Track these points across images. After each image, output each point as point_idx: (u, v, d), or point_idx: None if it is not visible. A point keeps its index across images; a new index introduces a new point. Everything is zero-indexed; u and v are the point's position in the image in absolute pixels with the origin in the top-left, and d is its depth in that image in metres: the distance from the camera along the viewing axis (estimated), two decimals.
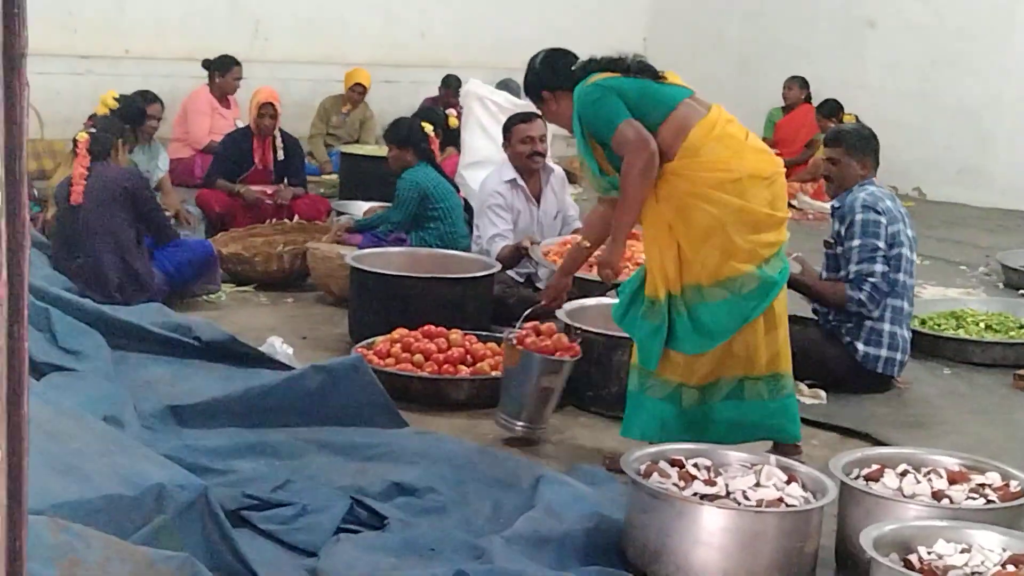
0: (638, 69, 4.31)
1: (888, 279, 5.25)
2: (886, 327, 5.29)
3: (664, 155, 4.11)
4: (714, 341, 4.11)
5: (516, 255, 6.27)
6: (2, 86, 1.40)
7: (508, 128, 6.70)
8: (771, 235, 4.15)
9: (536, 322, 4.76)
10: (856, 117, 11.22)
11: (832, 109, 11.37)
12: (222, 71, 10.27)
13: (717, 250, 4.06)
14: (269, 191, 8.10)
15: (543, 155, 6.66)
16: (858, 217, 5.25)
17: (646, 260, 4.28)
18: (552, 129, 9.29)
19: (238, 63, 10.34)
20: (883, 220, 5.26)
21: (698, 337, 4.11)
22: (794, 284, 5.38)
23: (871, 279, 5.22)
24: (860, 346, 5.29)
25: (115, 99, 7.42)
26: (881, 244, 5.24)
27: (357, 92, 11.39)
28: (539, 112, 6.34)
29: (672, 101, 4.23)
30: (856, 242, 5.25)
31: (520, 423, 4.57)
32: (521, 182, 6.63)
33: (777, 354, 4.23)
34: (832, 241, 5.42)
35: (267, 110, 8.16)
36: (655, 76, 4.34)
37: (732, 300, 4.08)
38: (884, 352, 5.30)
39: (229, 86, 10.29)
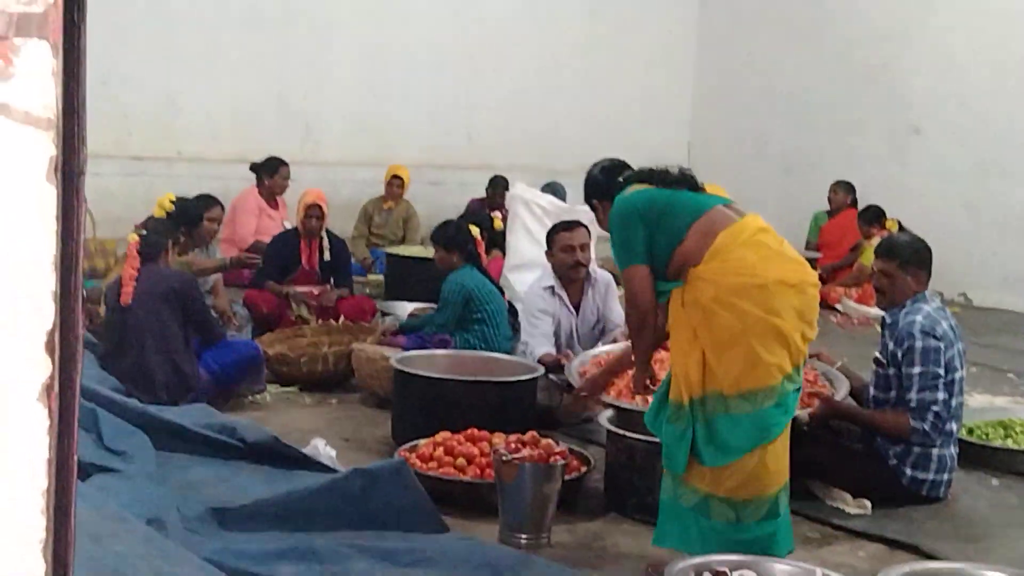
0: (675, 180, 4.34)
1: (943, 406, 5.15)
2: (935, 451, 5.20)
3: (691, 259, 4.10)
4: (728, 456, 4.01)
5: (557, 364, 6.28)
6: (60, 202, 1.44)
7: (551, 236, 6.76)
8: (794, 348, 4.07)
9: (518, 434, 5.02)
10: (899, 223, 11.24)
11: (874, 215, 11.39)
12: (270, 172, 10.46)
13: (740, 359, 3.98)
14: (316, 291, 8.19)
15: (584, 265, 6.67)
16: (918, 344, 5.13)
17: (671, 364, 4.23)
18: (602, 232, 9.41)
19: (286, 164, 10.53)
20: (942, 346, 5.16)
21: (713, 449, 4.03)
22: (852, 416, 5.34)
23: (934, 407, 5.11)
24: (907, 470, 5.19)
25: (172, 201, 7.53)
26: (941, 371, 5.14)
27: (396, 186, 11.53)
28: (582, 220, 6.47)
29: (702, 207, 4.25)
30: (917, 369, 5.12)
31: (524, 535, 4.56)
32: (560, 290, 6.67)
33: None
34: (884, 361, 5.31)
35: (314, 211, 8.29)
36: (693, 186, 4.36)
37: (755, 415, 4.01)
38: (931, 476, 5.21)
39: (278, 187, 10.47)
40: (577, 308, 6.71)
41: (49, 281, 1.43)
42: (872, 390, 5.39)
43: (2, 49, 1.40)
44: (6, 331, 1.42)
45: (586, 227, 6.77)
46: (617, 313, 6.80)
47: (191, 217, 7.52)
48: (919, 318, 5.18)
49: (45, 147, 1.41)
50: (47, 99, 1.41)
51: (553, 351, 6.53)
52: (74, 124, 1.44)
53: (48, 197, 1.42)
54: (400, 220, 11.59)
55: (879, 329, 9.62)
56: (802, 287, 4.13)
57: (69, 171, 1.45)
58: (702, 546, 4.03)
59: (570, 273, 6.64)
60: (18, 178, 1.42)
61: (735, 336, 3.98)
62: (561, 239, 6.68)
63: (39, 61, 1.41)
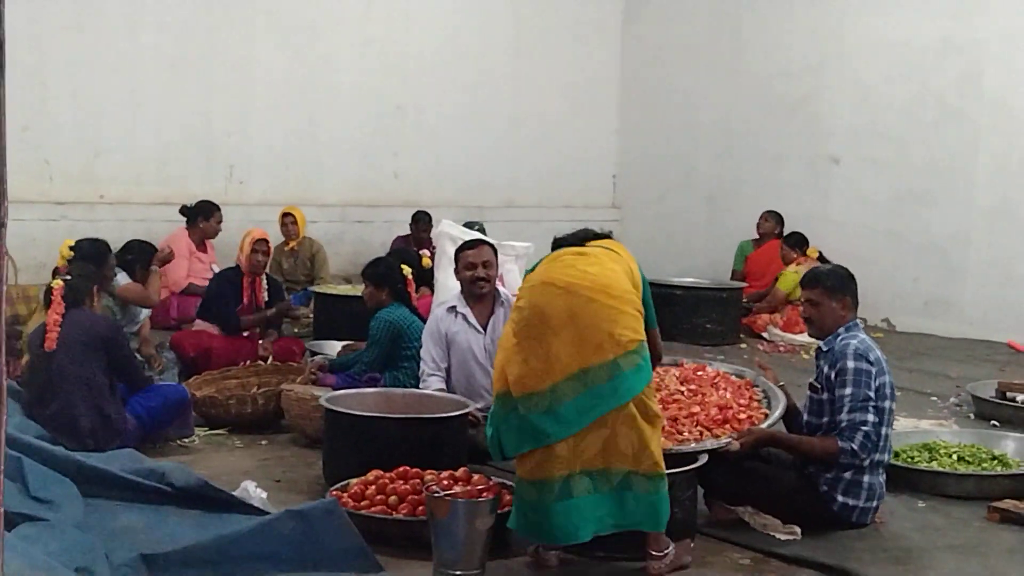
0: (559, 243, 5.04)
1: (874, 429, 5.21)
2: (866, 478, 5.26)
3: None
4: None
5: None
6: None
7: (456, 255, 6.86)
8: None
9: (451, 471, 5.19)
10: (819, 251, 11.45)
11: (797, 240, 11.61)
12: (205, 216, 10.42)
13: None
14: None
15: (487, 281, 6.74)
16: (850, 364, 5.22)
17: None
18: (530, 265, 9.46)
19: (218, 208, 10.50)
20: (873, 371, 5.26)
21: None
22: (781, 443, 5.40)
23: (863, 428, 5.17)
24: (839, 497, 5.25)
25: (71, 248, 7.51)
26: (872, 394, 5.21)
27: (289, 223, 11.48)
28: (486, 239, 6.65)
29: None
30: (848, 390, 5.20)
31: (458, 572, 4.57)
32: (464, 308, 6.72)
33: None
34: (818, 385, 5.38)
35: (261, 246, 8.33)
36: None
37: None
38: (861, 503, 5.27)
39: (212, 230, 10.45)
40: (485, 327, 6.74)
41: None
42: (806, 415, 5.46)
43: None
44: None
45: (491, 246, 6.92)
46: None
47: (99, 256, 7.46)
48: (854, 342, 5.29)
49: None
50: None
51: (444, 386, 6.60)
52: None
53: None
54: (305, 260, 11.53)
55: (805, 356, 9.86)
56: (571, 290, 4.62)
57: None
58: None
59: (473, 289, 6.71)
60: None
61: None
62: (464, 257, 6.78)
63: None
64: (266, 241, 8.37)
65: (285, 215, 11.51)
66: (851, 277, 5.52)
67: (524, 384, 4.57)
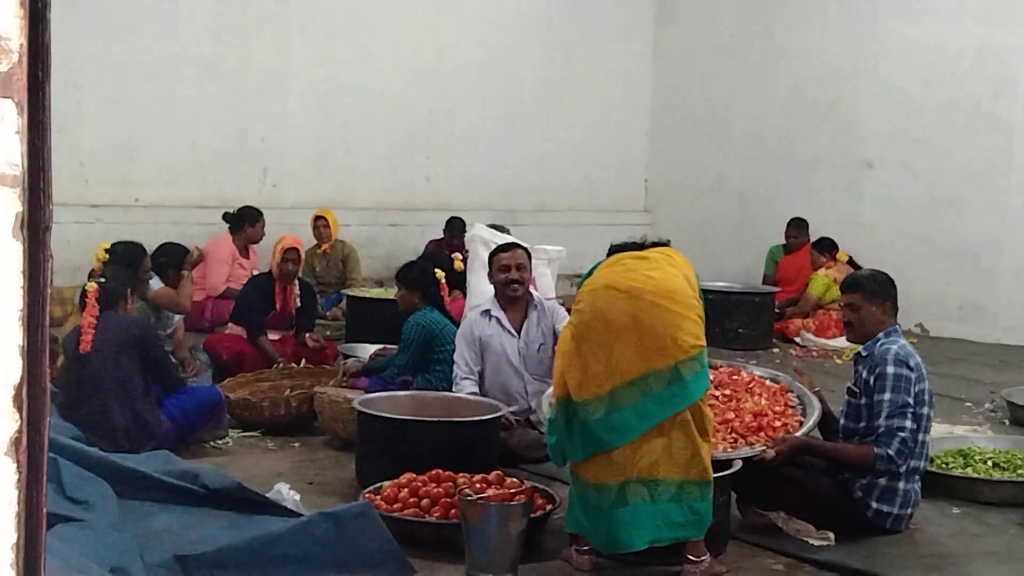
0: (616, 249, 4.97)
1: (911, 435, 5.19)
2: (901, 485, 5.24)
3: None
4: None
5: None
6: (26, 258, 1.46)
7: (490, 259, 6.86)
8: None
9: (483, 474, 5.18)
10: (849, 256, 11.40)
11: (827, 245, 11.57)
12: (251, 222, 10.49)
13: None
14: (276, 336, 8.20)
15: (521, 283, 6.73)
16: (890, 370, 5.19)
17: None
18: (562, 270, 9.46)
19: (262, 214, 10.57)
20: (913, 376, 5.23)
21: None
22: (816, 451, 5.38)
23: (901, 434, 5.13)
24: (873, 504, 5.23)
25: (106, 250, 7.54)
26: (911, 400, 5.18)
27: (321, 227, 11.55)
28: (520, 242, 6.64)
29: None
30: (887, 395, 5.17)
31: (490, 575, 4.57)
32: (498, 312, 6.72)
33: None
34: (857, 390, 5.35)
35: (291, 255, 8.33)
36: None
37: None
38: (896, 510, 5.25)
39: (257, 235, 10.52)
40: (519, 330, 6.74)
41: (16, 336, 1.44)
42: (843, 420, 5.43)
43: None
44: None
45: (524, 249, 6.91)
46: None
47: (134, 259, 7.50)
48: (894, 347, 5.26)
49: (11, 204, 1.43)
50: (12, 157, 1.43)
51: (476, 390, 6.58)
52: (39, 181, 1.46)
53: (14, 253, 1.44)
54: (337, 262, 11.60)
55: (838, 361, 9.81)
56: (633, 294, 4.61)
57: (35, 227, 1.46)
58: None
59: (506, 292, 6.71)
60: None
61: None
62: (498, 260, 6.78)
63: (5, 120, 1.42)
64: (296, 250, 8.39)
65: (317, 218, 11.57)
66: (891, 282, 5.50)
67: (584, 389, 4.59)
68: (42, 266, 1.46)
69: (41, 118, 1.45)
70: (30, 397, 1.44)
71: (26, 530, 1.46)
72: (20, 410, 1.43)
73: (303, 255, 8.40)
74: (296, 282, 8.50)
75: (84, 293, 6.31)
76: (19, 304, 1.44)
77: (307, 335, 8.39)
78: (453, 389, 6.64)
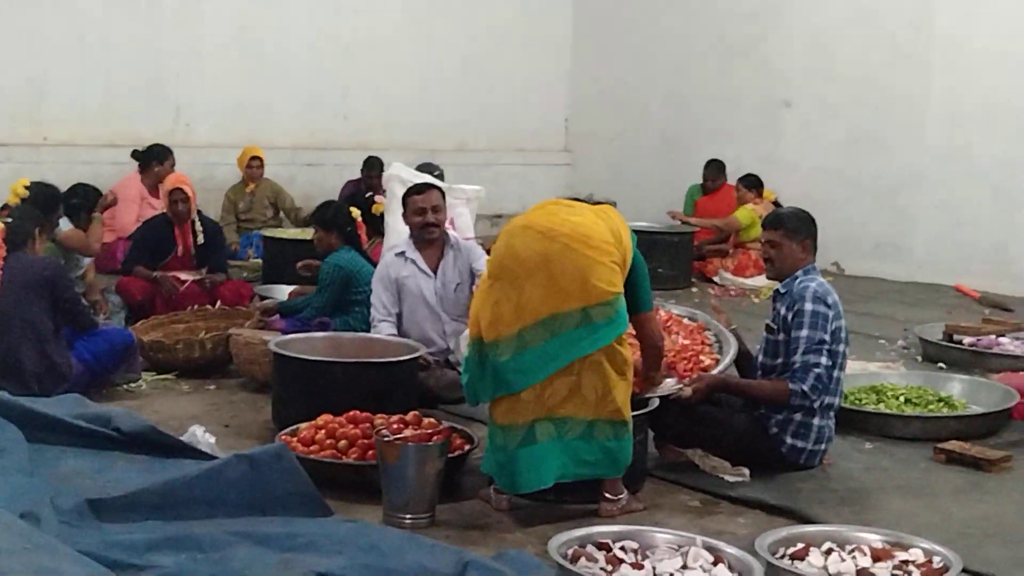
0: None
1: (827, 372, 5.24)
2: (816, 421, 5.29)
3: None
4: None
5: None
6: None
7: (404, 200, 6.79)
8: None
9: (401, 415, 5.14)
10: (775, 194, 11.48)
11: (753, 182, 11.62)
12: (159, 160, 10.28)
13: None
14: (186, 277, 8.05)
15: (436, 225, 6.69)
16: (808, 307, 5.22)
17: None
18: (481, 209, 9.41)
19: (171, 152, 10.36)
20: (830, 314, 5.27)
21: None
22: (732, 388, 5.42)
23: (816, 370, 5.17)
24: (788, 439, 5.27)
25: (26, 187, 7.36)
26: (827, 337, 5.23)
27: (255, 167, 11.46)
28: (435, 183, 6.61)
29: None
30: (804, 332, 5.20)
31: (408, 516, 4.57)
32: (413, 254, 6.68)
33: None
34: (775, 327, 5.38)
35: (178, 195, 8.16)
36: None
37: None
38: (810, 446, 5.30)
39: (165, 174, 10.27)
40: (435, 271, 6.70)
41: None
42: (761, 357, 5.48)
43: None
44: None
45: (439, 189, 6.86)
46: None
47: (49, 201, 7.33)
48: (813, 285, 5.30)
49: None
50: None
51: (394, 331, 6.55)
52: None
53: None
54: (266, 200, 11.49)
55: (755, 300, 9.91)
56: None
57: None
58: None
59: (423, 234, 6.66)
60: None
61: None
62: (412, 202, 6.71)
63: None
64: (182, 190, 8.17)
65: (252, 158, 11.44)
66: (812, 220, 5.53)
67: (494, 329, 4.58)
68: None
69: None
70: None
71: None
72: None
73: (191, 193, 8.20)
74: (198, 221, 8.32)
75: None
76: None
77: (203, 272, 8.21)
78: (371, 331, 6.59)
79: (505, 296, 4.58)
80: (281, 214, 11.64)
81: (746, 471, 5.22)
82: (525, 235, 4.64)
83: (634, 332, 5.01)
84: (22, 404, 5.21)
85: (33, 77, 11.06)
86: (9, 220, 6.26)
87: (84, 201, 8.09)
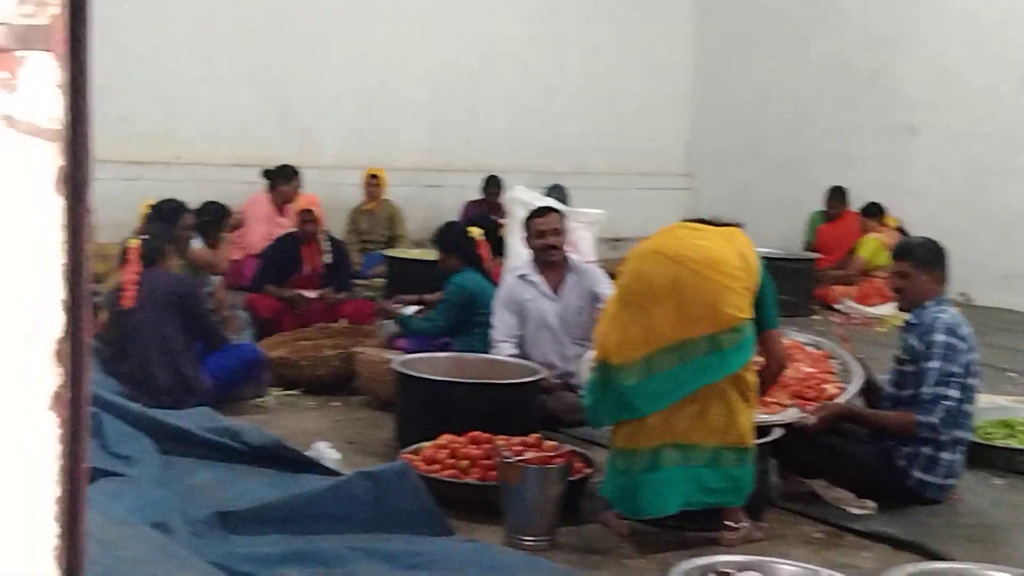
0: None
1: (957, 405, 5.12)
2: (944, 455, 5.16)
3: None
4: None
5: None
6: (67, 212, 1.44)
7: (526, 224, 6.84)
8: None
9: (522, 436, 5.15)
10: (900, 222, 11.28)
11: (875, 210, 11.43)
12: (286, 179, 10.50)
13: None
14: (312, 295, 8.19)
15: (557, 248, 6.72)
16: (940, 338, 5.11)
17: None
18: (602, 233, 9.42)
19: (298, 172, 10.57)
20: (963, 346, 5.16)
21: None
22: (858, 417, 5.33)
23: (946, 403, 5.06)
24: (915, 473, 5.16)
25: (150, 207, 7.56)
26: (959, 370, 5.11)
27: (373, 185, 11.61)
28: (555, 207, 6.62)
29: None
30: (935, 364, 5.09)
31: (529, 538, 4.57)
32: (535, 277, 6.70)
33: None
34: (905, 358, 5.27)
35: (307, 216, 8.34)
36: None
37: None
38: (939, 480, 5.18)
39: (292, 194, 10.49)
40: (557, 294, 6.72)
41: (58, 290, 1.43)
42: (890, 388, 5.36)
43: (6, 62, 1.40)
44: (16, 341, 1.42)
45: (559, 212, 6.92)
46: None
47: (172, 214, 7.51)
48: (945, 316, 5.18)
49: (52, 158, 1.42)
50: (53, 111, 1.41)
51: (516, 351, 6.57)
52: (80, 135, 1.44)
53: (55, 207, 1.43)
54: (384, 220, 11.63)
55: (880, 329, 9.73)
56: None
57: (76, 181, 1.45)
58: None
59: (544, 257, 6.69)
60: (25, 189, 1.42)
61: None
62: (534, 225, 6.77)
63: (44, 73, 1.41)
64: (310, 211, 8.36)
65: (371, 176, 11.62)
66: (942, 250, 5.41)
67: (622, 353, 4.57)
68: (83, 221, 1.45)
69: (82, 72, 1.44)
70: (73, 352, 1.44)
71: (69, 484, 1.45)
72: (63, 365, 1.42)
73: (319, 214, 8.38)
74: (327, 240, 8.48)
75: (126, 250, 6.34)
76: (61, 259, 1.43)
77: (325, 292, 8.34)
78: (491, 351, 6.63)
79: (633, 320, 4.57)
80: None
81: (872, 504, 5.13)
82: (654, 260, 4.64)
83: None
84: (155, 416, 5.36)
85: (165, 98, 11.37)
86: (145, 237, 6.44)
87: (213, 219, 8.29)
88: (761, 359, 4.93)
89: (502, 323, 6.67)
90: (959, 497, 5.32)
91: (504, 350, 6.57)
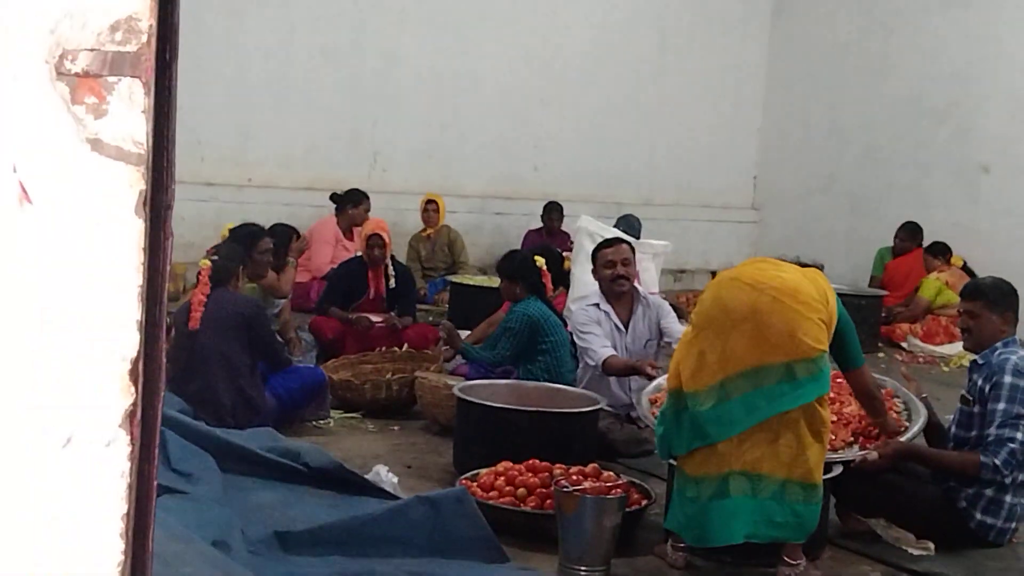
0: None
1: (1021, 447, 5.06)
2: (1008, 498, 5.11)
3: None
4: None
5: (630, 370, 6.30)
6: (147, 235, 1.49)
7: (594, 255, 6.86)
8: None
9: (579, 466, 5.17)
10: (964, 260, 11.16)
11: (940, 249, 11.35)
12: (354, 203, 10.60)
13: None
14: (376, 319, 8.26)
15: (627, 279, 6.72)
16: (1007, 380, 5.06)
17: None
18: (666, 264, 9.41)
19: (367, 196, 10.67)
20: None
21: None
22: (921, 456, 5.29)
23: (1011, 444, 5.00)
24: (977, 515, 5.10)
25: (231, 230, 7.64)
26: (1021, 411, 5.06)
27: (431, 211, 11.69)
28: (625, 237, 6.62)
29: None
30: (1001, 405, 5.04)
31: (584, 568, 4.57)
32: (606, 307, 6.70)
33: None
34: (971, 398, 5.23)
35: (375, 240, 8.40)
36: None
37: None
38: (1000, 523, 5.12)
39: (360, 218, 10.59)
40: (626, 325, 6.72)
41: (135, 311, 1.48)
42: (954, 428, 5.31)
43: (96, 87, 1.46)
44: (93, 359, 1.47)
45: (628, 243, 6.93)
46: (677, 329, 6.65)
47: (249, 237, 7.58)
48: (1014, 358, 5.13)
49: (135, 182, 1.47)
50: (138, 136, 1.47)
51: (616, 353, 6.51)
52: (164, 160, 1.50)
53: (136, 230, 1.48)
54: (444, 246, 11.69)
55: (945, 369, 9.63)
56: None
57: (157, 205, 1.50)
58: None
59: (613, 287, 6.70)
60: (108, 211, 1.47)
61: None
62: (603, 256, 6.78)
63: (132, 99, 1.46)
64: (379, 235, 8.43)
65: (428, 202, 11.70)
66: (1014, 291, 5.36)
67: (696, 379, 4.58)
68: (162, 244, 1.50)
69: (167, 98, 1.49)
70: (146, 372, 1.48)
71: (136, 502, 1.50)
72: (136, 384, 1.47)
73: (387, 239, 8.46)
74: (391, 265, 8.56)
75: (199, 271, 6.44)
76: (139, 280, 1.48)
77: (389, 316, 8.41)
78: (590, 356, 6.52)
79: (710, 346, 4.58)
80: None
81: (931, 544, 5.08)
82: (733, 287, 4.66)
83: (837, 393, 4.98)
84: (217, 435, 5.42)
85: (240, 121, 11.53)
86: (215, 258, 6.53)
87: (281, 241, 8.37)
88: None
89: (594, 336, 6.57)
90: (1021, 541, 5.26)
91: (604, 354, 6.45)
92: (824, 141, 14.15)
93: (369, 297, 8.45)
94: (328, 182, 11.17)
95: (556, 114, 13.41)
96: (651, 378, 6.04)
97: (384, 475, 5.37)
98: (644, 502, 5.15)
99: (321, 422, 6.79)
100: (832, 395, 5.69)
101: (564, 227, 11.96)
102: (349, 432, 6.77)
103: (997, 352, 5.19)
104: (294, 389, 6.55)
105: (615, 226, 9.68)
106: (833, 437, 5.29)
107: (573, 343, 7.29)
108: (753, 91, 14.82)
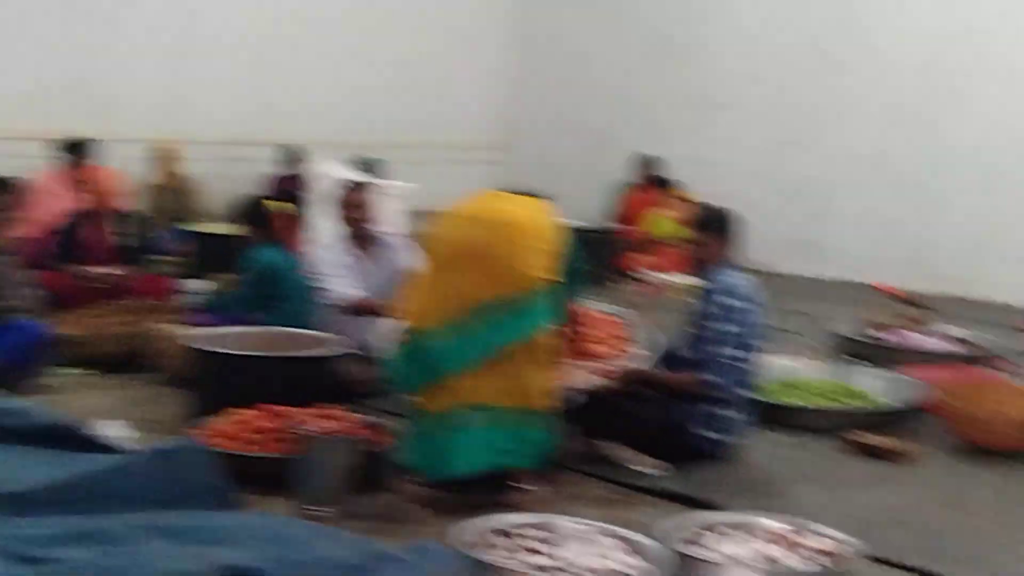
0: None
1: (740, 365, 5.34)
2: (729, 413, 5.40)
3: None
4: None
5: (373, 311, 6.31)
6: None
7: (334, 198, 6.94)
8: None
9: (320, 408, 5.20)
10: (688, 193, 11.67)
11: (662, 183, 11.78)
12: (82, 154, 10.19)
13: None
14: (100, 271, 7.98)
15: (367, 222, 6.82)
16: (724, 300, 5.33)
17: None
18: (414, 205, 9.43)
19: (96, 146, 10.28)
20: (750, 310, 5.38)
21: None
22: (650, 380, 5.48)
23: (732, 363, 5.30)
24: (703, 432, 5.37)
25: None
26: (745, 332, 5.33)
27: (166, 158, 11.51)
28: (365, 180, 6.68)
29: None
30: (719, 325, 5.31)
31: (321, 508, 4.57)
32: (348, 249, 6.85)
33: None
34: (695, 322, 5.47)
35: (96, 190, 8.18)
36: None
37: None
38: (725, 437, 5.42)
39: (88, 170, 10.16)
40: (369, 268, 6.75)
41: None
42: (681, 351, 5.56)
43: None
44: None
45: (369, 186, 7.03)
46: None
47: None
48: (734, 281, 5.41)
49: None
50: None
51: (359, 294, 6.55)
52: None
53: None
54: (178, 196, 11.45)
55: (676, 296, 9.99)
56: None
57: None
58: None
59: (355, 230, 6.77)
60: None
61: None
62: (345, 199, 6.86)
63: None
64: (104, 185, 8.27)
65: (161, 149, 11.38)
66: (735, 219, 5.60)
67: (428, 316, 4.62)
68: None
69: None
70: None
71: None
72: None
73: (114, 189, 8.24)
74: (120, 216, 8.30)
75: None
76: None
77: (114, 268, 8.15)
78: (333, 298, 6.57)
79: (439, 282, 4.64)
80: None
81: (663, 464, 5.28)
82: (459, 223, 4.72)
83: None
84: None
85: None
86: None
87: None
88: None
89: (337, 276, 6.62)
90: (748, 454, 5.52)
91: (349, 293, 6.50)
92: (570, 80, 14.43)
93: (99, 248, 8.16)
94: (58, 132, 10.67)
95: (297, 57, 13.21)
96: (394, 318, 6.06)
97: (115, 430, 5.21)
98: (383, 440, 5.15)
99: (46, 379, 6.52)
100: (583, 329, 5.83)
101: (306, 172, 11.81)
102: (76, 388, 6.54)
103: (721, 277, 5.44)
104: (16, 345, 6.27)
105: (358, 169, 9.60)
106: (579, 368, 5.43)
107: (316, 287, 7.24)
108: (498, 31, 14.90)
